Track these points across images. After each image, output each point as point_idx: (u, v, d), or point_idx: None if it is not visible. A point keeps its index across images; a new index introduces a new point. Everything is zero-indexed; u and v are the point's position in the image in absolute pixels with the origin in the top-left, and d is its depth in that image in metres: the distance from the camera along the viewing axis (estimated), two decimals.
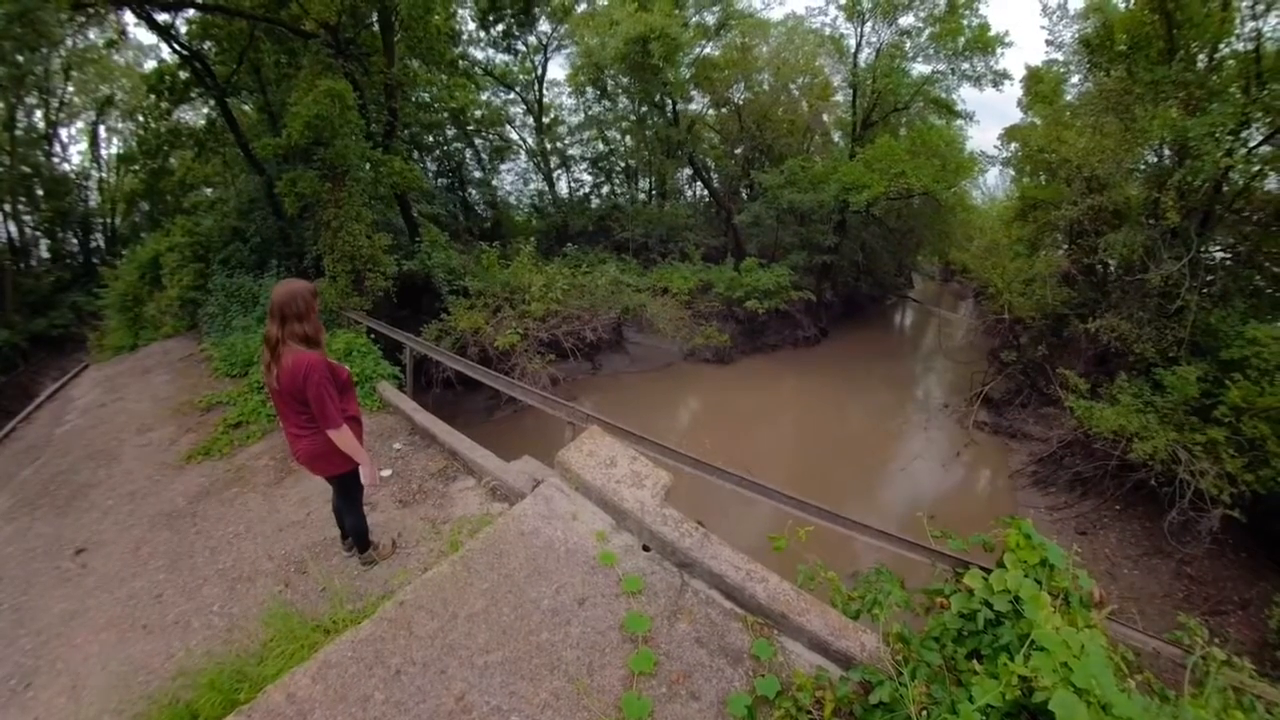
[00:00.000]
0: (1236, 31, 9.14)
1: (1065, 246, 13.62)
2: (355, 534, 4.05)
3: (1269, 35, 8.70)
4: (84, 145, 23.72)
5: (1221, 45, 9.54)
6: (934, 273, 37.34)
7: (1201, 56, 9.84)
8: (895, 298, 30.53)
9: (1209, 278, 10.00)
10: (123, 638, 3.76)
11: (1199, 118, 8.60)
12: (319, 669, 2.50)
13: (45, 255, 22.54)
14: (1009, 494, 11.04)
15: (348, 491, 3.77)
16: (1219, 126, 8.24)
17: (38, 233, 22.06)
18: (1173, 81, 9.42)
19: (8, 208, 20.03)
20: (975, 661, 2.20)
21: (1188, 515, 7.96)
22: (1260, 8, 8.49)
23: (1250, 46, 8.88)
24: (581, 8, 19.92)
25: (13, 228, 20.48)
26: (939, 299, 33.97)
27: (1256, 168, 9.32)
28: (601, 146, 24.36)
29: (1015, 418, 13.52)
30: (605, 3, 19.68)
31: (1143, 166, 11.00)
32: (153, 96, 13.34)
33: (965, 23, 17.37)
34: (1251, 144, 8.88)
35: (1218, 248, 10.65)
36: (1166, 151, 10.37)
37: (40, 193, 21.26)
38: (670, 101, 20.26)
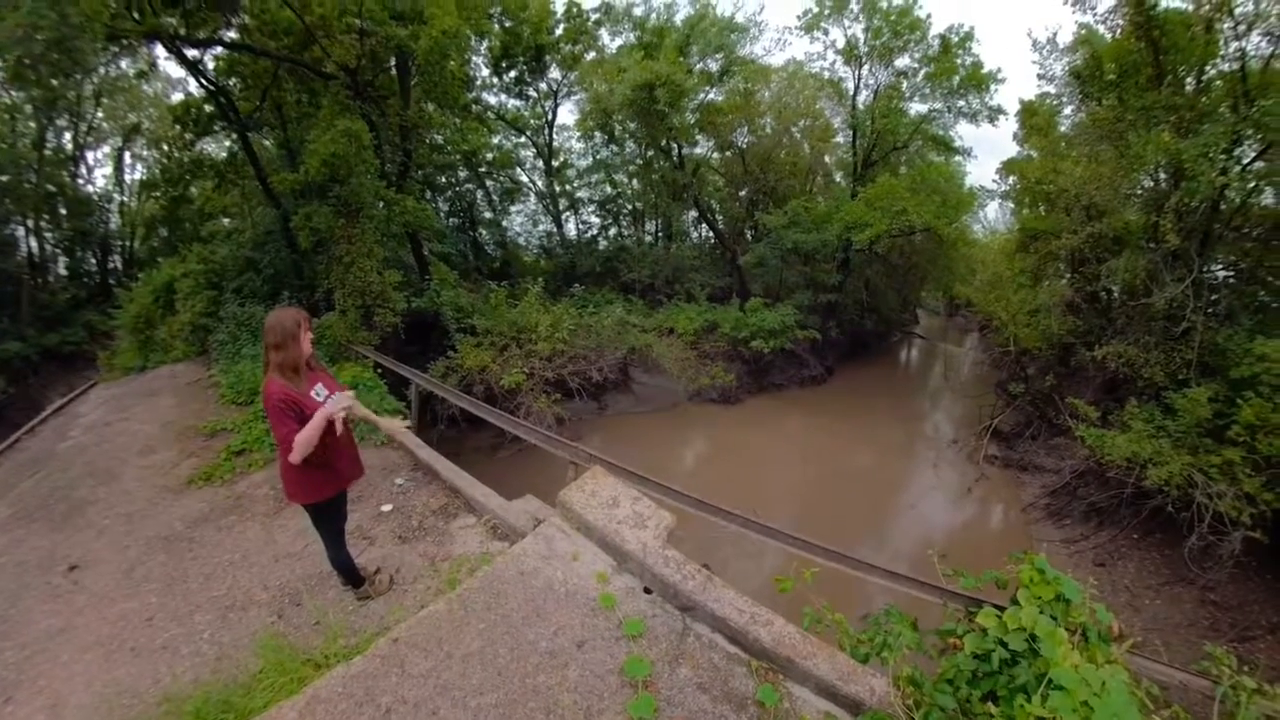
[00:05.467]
0: (1221, 53, 9.34)
1: (1068, 275, 13.66)
2: (338, 568, 3.94)
3: (1253, 54, 8.90)
4: (109, 169, 24.58)
5: (1208, 67, 9.74)
6: (939, 308, 37.55)
7: (1189, 79, 10.04)
8: (901, 334, 30.61)
9: (1213, 297, 9.94)
10: (109, 658, 3.69)
11: (1191, 139, 8.73)
12: (307, 704, 2.44)
13: (63, 272, 23.00)
14: (1022, 528, 10.78)
15: (320, 522, 3.69)
16: (1212, 146, 8.36)
17: (57, 250, 22.66)
18: (1163, 106, 9.59)
19: (31, 224, 20.56)
20: (991, 704, 2.12)
21: (1207, 540, 7.75)
22: (1242, 28, 8.71)
23: (1235, 66, 9.07)
24: (590, 56, 20.73)
25: (34, 243, 20.98)
26: (944, 334, 33.95)
27: (1252, 184, 9.41)
28: (609, 189, 24.93)
29: (1026, 450, 13.30)
30: (613, 51, 20.58)
31: (1139, 191, 11.08)
32: (178, 127, 14.03)
33: (959, 62, 17.91)
34: (1245, 161, 9.01)
35: (1219, 267, 10.65)
36: (1162, 175, 10.44)
37: (63, 211, 21.89)
38: (676, 146, 20.76)
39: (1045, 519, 10.84)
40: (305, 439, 3.18)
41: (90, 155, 23.65)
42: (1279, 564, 8.12)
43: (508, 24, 18.49)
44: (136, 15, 9.46)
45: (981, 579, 2.97)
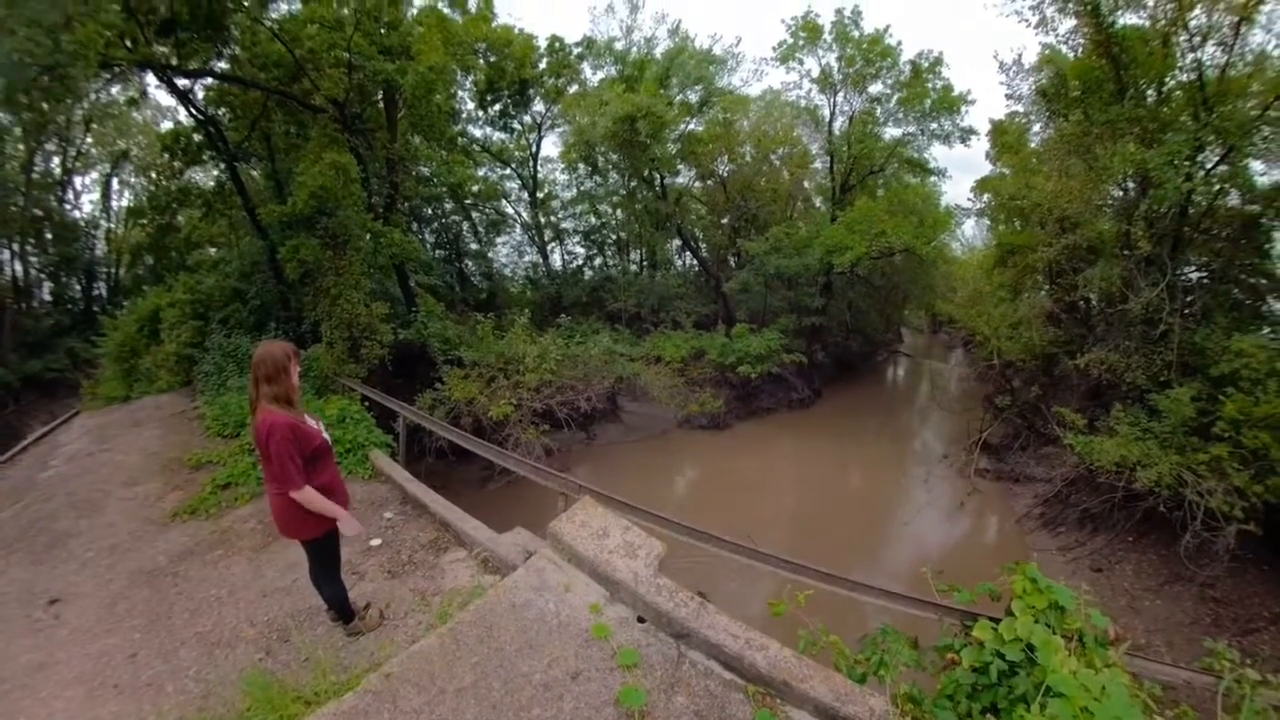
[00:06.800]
0: (1179, 64, 9.77)
1: (1046, 287, 13.93)
2: (334, 604, 3.91)
3: (1209, 64, 9.31)
4: (96, 195, 24.62)
5: (1167, 79, 10.17)
6: (922, 326, 38.12)
7: (1150, 92, 10.45)
8: (886, 353, 30.99)
9: (1188, 298, 10.23)
10: (91, 695, 3.57)
11: (1156, 149, 9.06)
12: None
13: (47, 298, 22.85)
14: (1018, 539, 10.79)
15: (320, 558, 3.65)
16: (1176, 154, 8.66)
17: (42, 275, 22.53)
18: (1127, 118, 9.96)
19: (16, 247, 20.49)
20: (992, 716, 2.15)
21: (1202, 537, 7.79)
22: (1197, 40, 9.15)
23: (1193, 76, 9.48)
24: (573, 89, 21.24)
25: (19, 268, 20.86)
26: (929, 351, 34.50)
27: (1217, 188, 9.73)
28: (594, 220, 25.28)
29: (1016, 461, 13.39)
30: (596, 85, 21.08)
31: (1110, 202, 11.44)
32: (166, 155, 14.10)
33: (930, 86, 18.56)
34: (1209, 166, 9.31)
35: (1192, 268, 10.93)
36: (1130, 185, 10.82)
37: (49, 236, 21.85)
38: (658, 176, 21.19)
39: (1040, 528, 10.86)
40: (316, 503, 3.23)
41: (78, 180, 23.85)
42: (1275, 555, 8.17)
43: (492, 59, 18.94)
44: (129, 44, 9.57)
45: (975, 592, 3.00)
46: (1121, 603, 8.25)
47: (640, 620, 3.23)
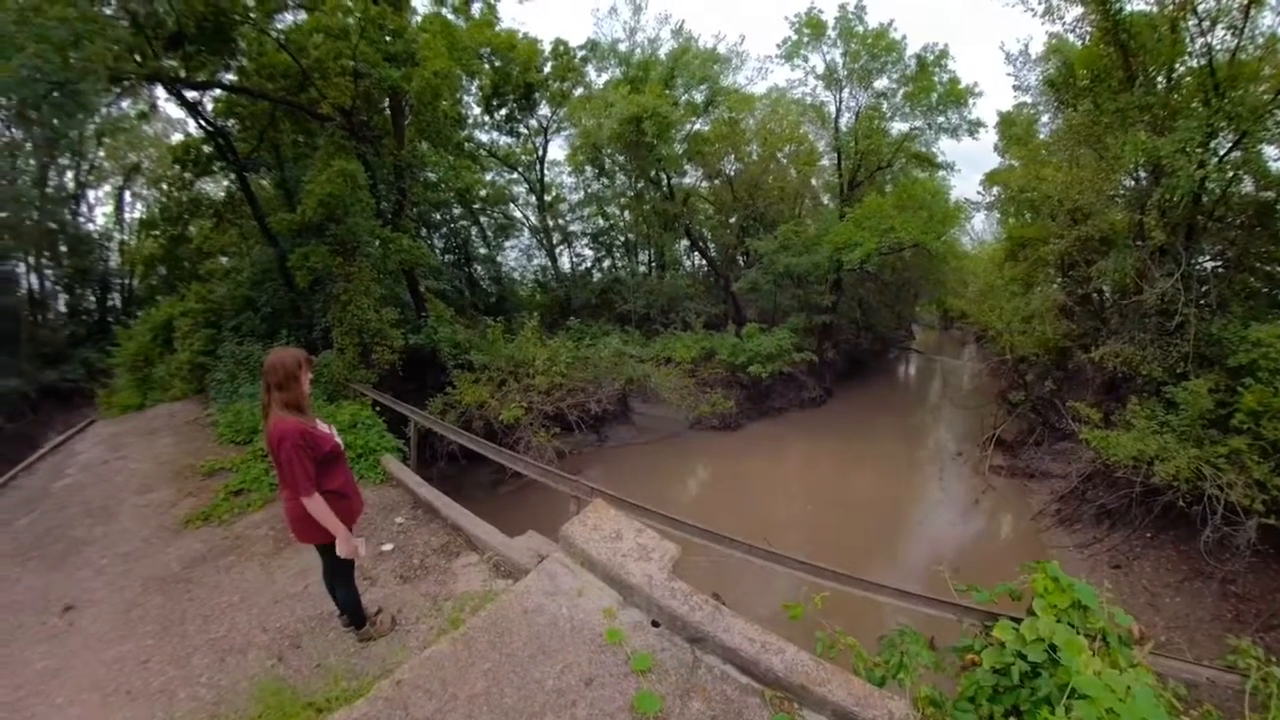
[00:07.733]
0: (1188, 50, 9.58)
1: (1059, 280, 13.77)
2: (347, 608, 3.92)
3: (1219, 48, 9.12)
4: (109, 208, 25.07)
5: (1177, 65, 9.98)
6: (934, 322, 37.81)
7: (1160, 78, 10.27)
8: (897, 350, 30.74)
9: (1203, 288, 10.00)
10: (105, 702, 3.60)
11: (1168, 136, 8.86)
12: None
13: (63, 309, 23.26)
14: (1034, 536, 10.65)
15: (335, 562, 3.64)
16: (1188, 141, 8.47)
17: (57, 287, 22.97)
18: (1137, 106, 9.78)
19: (31, 261, 20.92)
20: (1015, 719, 2.09)
21: (1222, 531, 7.64)
22: (1206, 24, 8.97)
23: (1203, 61, 9.28)
24: (578, 92, 21.26)
25: (34, 280, 21.30)
26: (941, 347, 34.18)
27: (1231, 174, 9.53)
28: (601, 222, 25.31)
29: (1031, 457, 13.22)
30: (601, 87, 21.10)
31: (1121, 191, 11.21)
32: (177, 167, 14.46)
33: (936, 79, 18.28)
34: (1222, 153, 9.09)
35: (1207, 258, 10.72)
36: (1142, 174, 10.62)
37: (64, 249, 22.31)
38: (665, 176, 21.17)
39: (1056, 525, 10.71)
40: (321, 513, 3.25)
41: (91, 194, 24.28)
42: None
43: (497, 63, 19.00)
44: (138, 58, 9.70)
45: (995, 592, 2.94)
46: (1141, 600, 8.12)
47: (654, 624, 3.21)
